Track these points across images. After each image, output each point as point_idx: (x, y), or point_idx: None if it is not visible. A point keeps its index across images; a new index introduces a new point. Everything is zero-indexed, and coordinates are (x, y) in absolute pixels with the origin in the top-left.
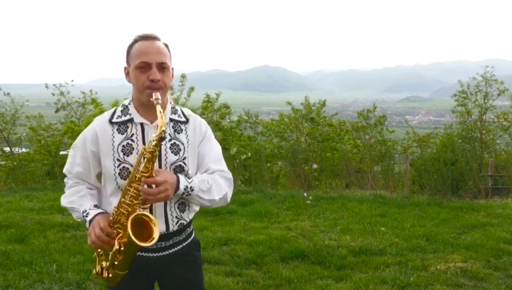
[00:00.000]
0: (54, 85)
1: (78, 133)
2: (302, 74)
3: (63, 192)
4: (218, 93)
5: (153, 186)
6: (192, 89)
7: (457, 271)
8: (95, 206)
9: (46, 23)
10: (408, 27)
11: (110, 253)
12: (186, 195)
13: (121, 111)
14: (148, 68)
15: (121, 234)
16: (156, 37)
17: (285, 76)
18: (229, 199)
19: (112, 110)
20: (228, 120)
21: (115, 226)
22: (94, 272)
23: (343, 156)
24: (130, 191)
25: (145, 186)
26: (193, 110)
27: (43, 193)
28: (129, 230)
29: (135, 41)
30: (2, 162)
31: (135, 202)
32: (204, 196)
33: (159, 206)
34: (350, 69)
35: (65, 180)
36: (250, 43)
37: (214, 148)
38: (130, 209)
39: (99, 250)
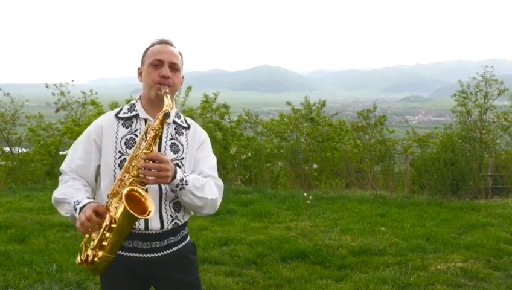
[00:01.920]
0: (54, 85)
1: (78, 134)
2: (302, 74)
3: None
4: (216, 93)
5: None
6: (190, 88)
7: (457, 271)
8: (88, 198)
9: (46, 23)
10: (408, 27)
11: (100, 231)
12: (180, 188)
13: (128, 108)
14: (160, 66)
15: (113, 211)
16: (172, 43)
17: (285, 76)
18: (217, 207)
19: (120, 107)
20: (228, 120)
21: (108, 204)
22: (78, 259)
23: (343, 156)
24: (129, 168)
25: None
26: (192, 110)
27: (43, 193)
28: (124, 202)
29: (152, 44)
30: (2, 162)
31: (133, 179)
32: (197, 193)
33: (154, 204)
34: (350, 69)
35: (60, 177)
36: (250, 43)
37: (210, 157)
38: (127, 186)
39: (87, 236)
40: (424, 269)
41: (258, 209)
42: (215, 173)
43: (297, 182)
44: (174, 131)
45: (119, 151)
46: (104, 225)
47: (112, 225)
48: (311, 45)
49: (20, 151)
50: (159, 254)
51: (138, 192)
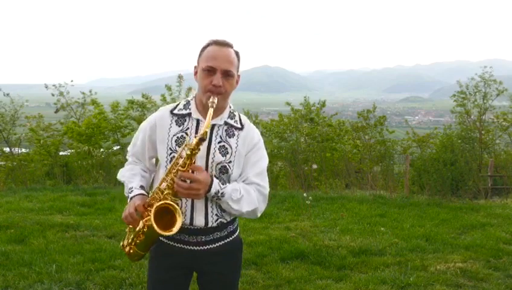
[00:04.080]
0: (54, 85)
1: (78, 134)
2: (302, 74)
3: (62, 192)
4: None
5: (188, 181)
6: (190, 89)
7: (457, 271)
8: (141, 187)
9: (46, 23)
10: (408, 27)
11: (135, 232)
12: (216, 199)
13: (183, 105)
14: (213, 73)
15: (148, 217)
16: (229, 44)
17: (285, 76)
18: (259, 214)
19: (177, 102)
20: None
21: (148, 208)
22: (121, 244)
23: (343, 156)
24: (166, 180)
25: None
26: None
27: (43, 193)
28: (152, 216)
29: (208, 44)
30: (2, 163)
31: (168, 191)
32: (233, 205)
33: (200, 201)
34: (350, 69)
35: (127, 156)
36: (250, 43)
37: (260, 161)
38: (161, 197)
39: (130, 226)
40: (424, 269)
41: None
42: (262, 180)
43: (297, 182)
44: (224, 133)
45: (170, 148)
46: (138, 228)
47: (144, 229)
48: (310, 46)
49: (19, 151)
50: (204, 247)
51: (172, 206)
